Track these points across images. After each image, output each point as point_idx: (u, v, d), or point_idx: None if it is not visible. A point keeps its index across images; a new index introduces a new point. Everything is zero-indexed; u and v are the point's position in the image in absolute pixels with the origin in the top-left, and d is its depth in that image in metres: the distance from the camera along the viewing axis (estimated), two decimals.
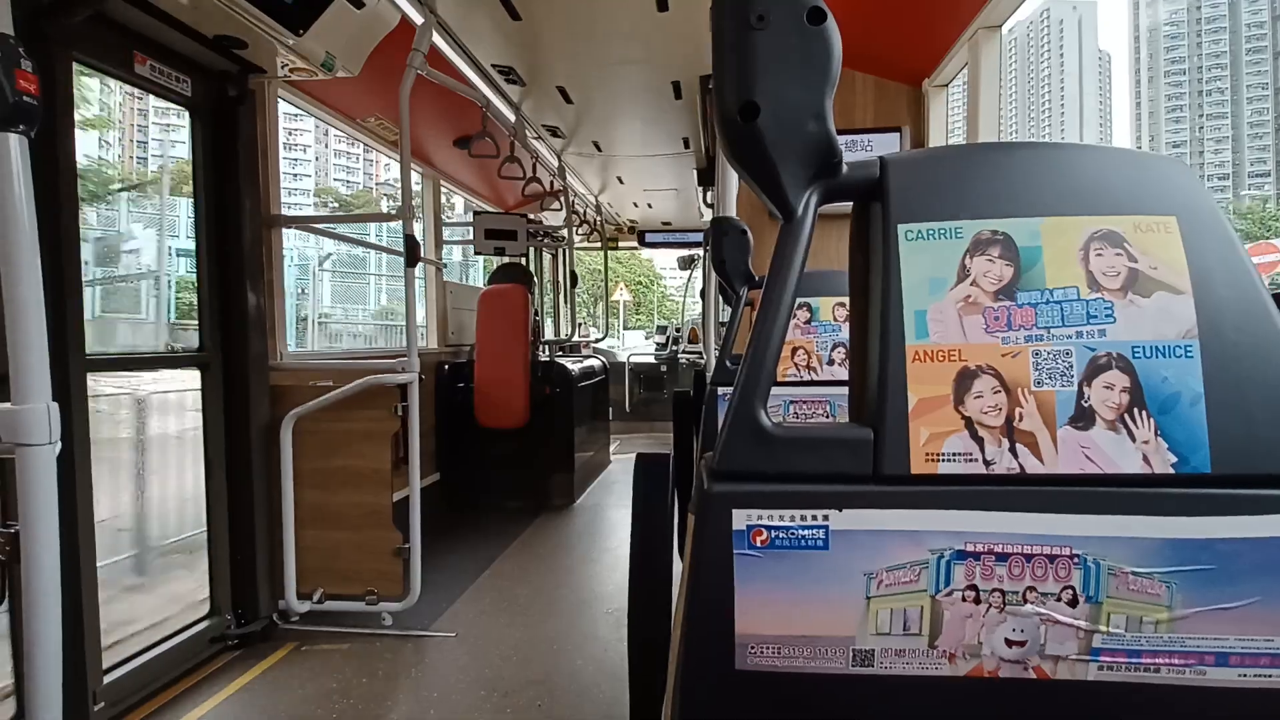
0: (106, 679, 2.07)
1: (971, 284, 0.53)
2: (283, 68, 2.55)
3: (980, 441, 0.52)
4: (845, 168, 0.55)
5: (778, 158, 0.52)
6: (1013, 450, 0.52)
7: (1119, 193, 0.54)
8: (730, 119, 0.51)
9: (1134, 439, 0.51)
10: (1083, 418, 0.51)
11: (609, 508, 4.64)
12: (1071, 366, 0.52)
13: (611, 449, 6.30)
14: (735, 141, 0.52)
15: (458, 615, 2.87)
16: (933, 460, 0.52)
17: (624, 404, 7.93)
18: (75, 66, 2.01)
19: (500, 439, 4.46)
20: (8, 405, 1.01)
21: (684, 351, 8.31)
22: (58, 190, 1.88)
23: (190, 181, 2.59)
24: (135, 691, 2.16)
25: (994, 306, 0.53)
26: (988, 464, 0.52)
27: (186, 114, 2.53)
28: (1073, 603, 0.51)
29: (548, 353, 4.97)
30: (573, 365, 4.85)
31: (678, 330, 8.78)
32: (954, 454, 0.52)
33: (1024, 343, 0.52)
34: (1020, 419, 0.52)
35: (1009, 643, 0.52)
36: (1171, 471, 0.51)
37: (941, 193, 0.55)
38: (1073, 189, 0.55)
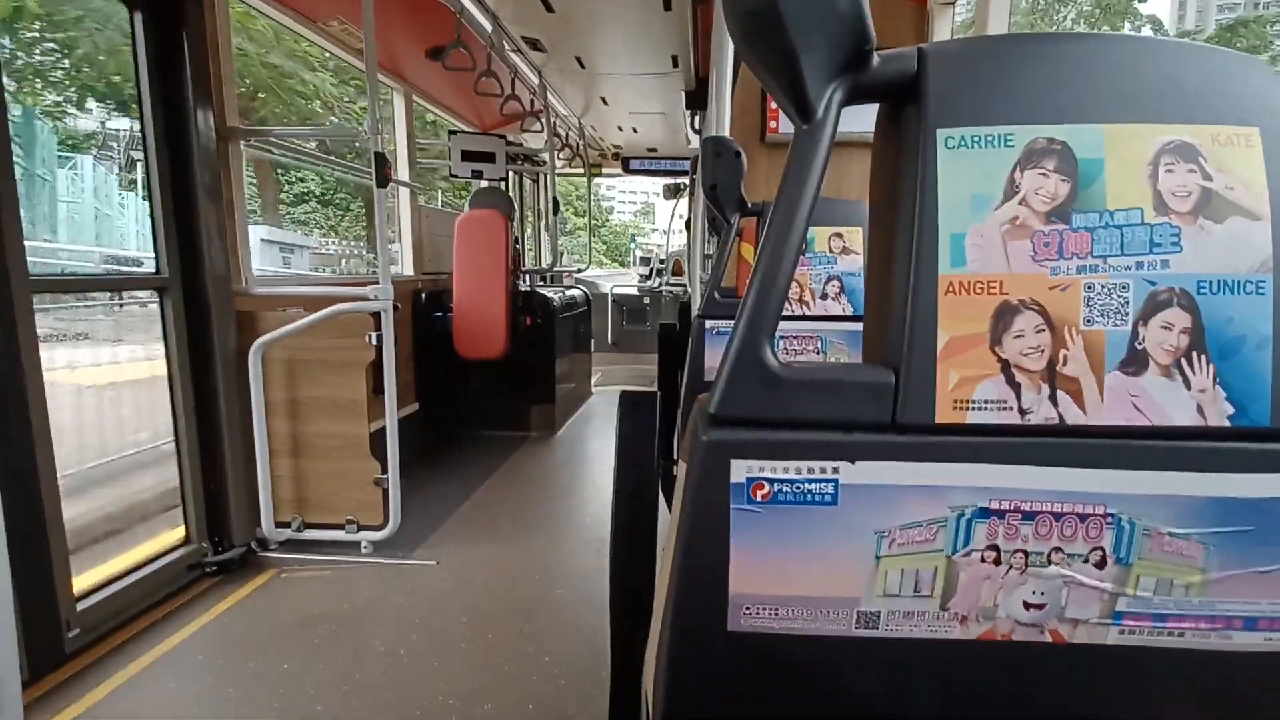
0: (80, 605, 2.05)
1: (1020, 203, 0.45)
2: None
3: (1017, 388, 0.45)
4: (876, 59, 0.46)
5: (799, 40, 0.42)
6: (1053, 398, 0.45)
7: (1194, 97, 0.46)
8: None
9: (1189, 387, 0.45)
10: (1134, 362, 0.45)
11: (590, 438, 4.65)
12: (1128, 303, 0.45)
13: (593, 381, 6.27)
14: (746, 16, 0.42)
15: (439, 544, 2.88)
16: (961, 408, 0.45)
17: (606, 335, 7.86)
18: None
19: (480, 369, 4.39)
20: None
21: (668, 284, 8.19)
22: None
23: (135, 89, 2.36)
24: (110, 618, 2.15)
25: (1044, 230, 0.45)
26: (1023, 413, 0.45)
27: (126, 10, 2.28)
28: (1100, 564, 0.47)
29: (529, 282, 4.84)
30: (554, 295, 4.73)
31: (661, 262, 8.62)
32: (986, 401, 0.45)
33: (1075, 274, 0.45)
34: (1064, 363, 0.45)
35: (1027, 605, 0.48)
36: (1227, 424, 0.45)
37: (990, 92, 0.46)
38: (1141, 91, 0.46)
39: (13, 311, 1.81)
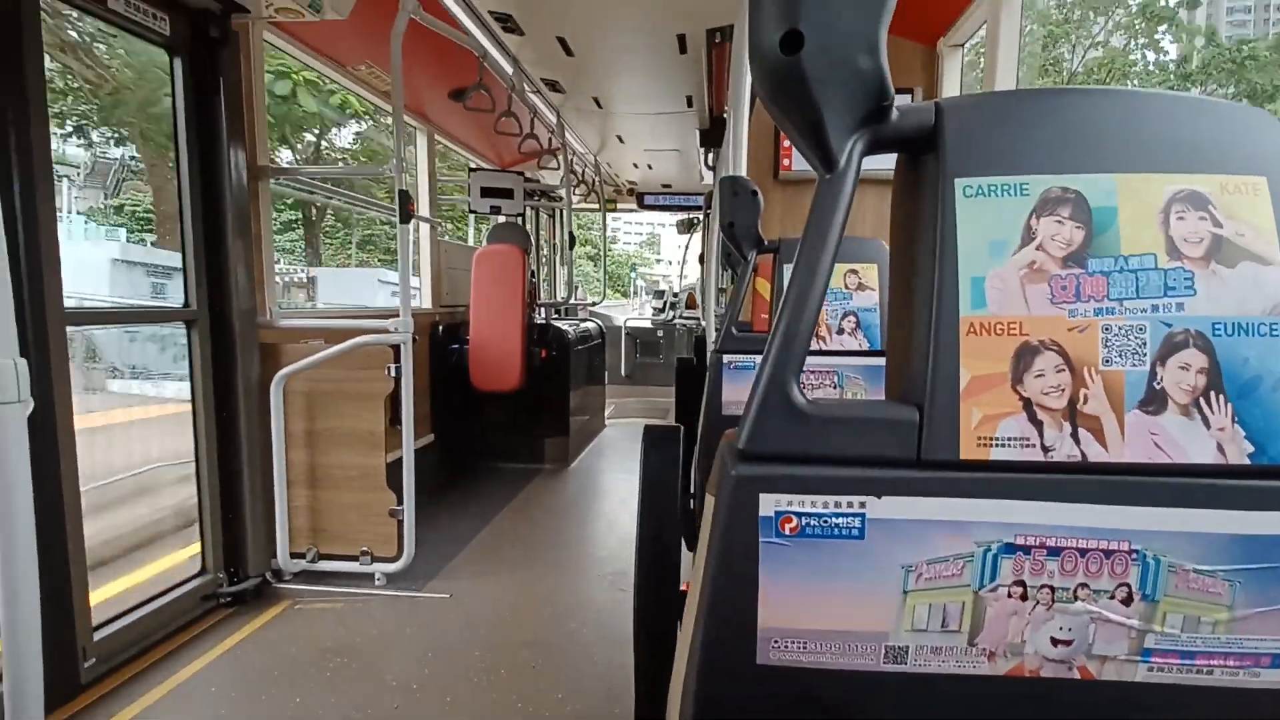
0: (97, 635, 2.05)
1: (1037, 248, 0.47)
2: (267, 7, 2.41)
3: (1039, 425, 0.47)
4: (895, 113, 0.48)
5: (822, 98, 0.45)
6: (1075, 436, 0.46)
7: (1203, 148, 0.48)
8: (769, 51, 0.44)
9: (1208, 426, 0.46)
10: (1153, 401, 0.46)
11: (604, 471, 4.64)
12: (1145, 344, 0.46)
13: (607, 413, 6.28)
14: (773, 77, 0.45)
15: (452, 576, 2.87)
16: (985, 445, 0.47)
17: (620, 368, 7.89)
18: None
19: (495, 401, 4.42)
20: None
21: (681, 317, 8.24)
22: (27, 126, 1.78)
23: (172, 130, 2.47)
24: (126, 648, 2.15)
25: (1061, 274, 0.47)
26: (1046, 450, 0.47)
27: (166, 57, 2.39)
28: (1127, 601, 0.47)
29: (544, 315, 4.90)
30: (569, 328, 4.78)
31: (675, 295, 8.69)
32: (1009, 438, 0.47)
33: (1093, 316, 0.47)
34: (1085, 401, 0.46)
35: (1055, 641, 0.48)
36: (1247, 462, 0.46)
37: (1005, 143, 0.48)
38: (1152, 142, 0.48)
39: (47, 343, 1.86)
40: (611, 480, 4.40)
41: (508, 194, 4.46)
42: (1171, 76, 24.30)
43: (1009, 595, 0.47)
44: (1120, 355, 0.46)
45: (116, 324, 2.46)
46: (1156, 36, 24.55)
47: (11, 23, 1.74)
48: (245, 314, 2.55)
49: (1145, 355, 0.46)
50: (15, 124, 1.75)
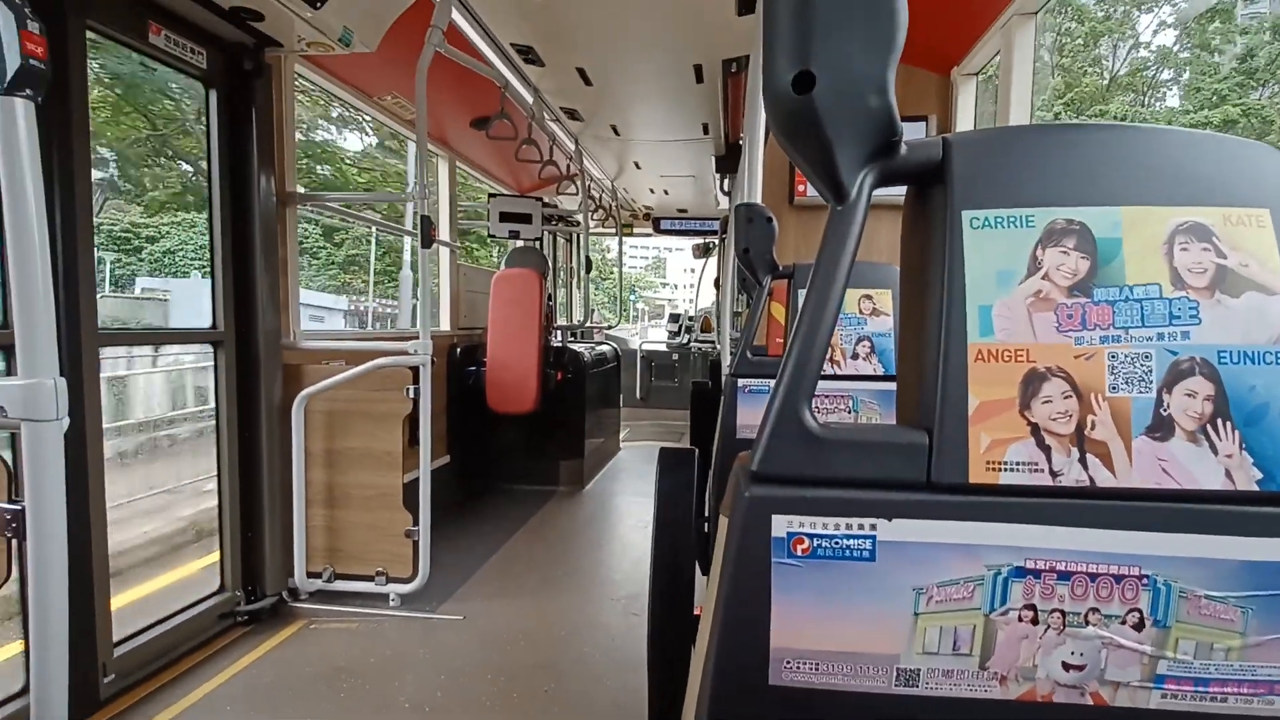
0: (117, 651, 2.08)
1: (1043, 278, 0.49)
2: (299, 41, 2.51)
3: (1047, 450, 0.47)
4: (904, 148, 0.50)
5: (833, 135, 0.47)
6: (1083, 461, 0.47)
7: (1206, 181, 0.49)
8: (781, 90, 0.46)
9: (1216, 452, 0.46)
10: (1160, 427, 0.47)
11: (618, 494, 4.63)
12: (1151, 371, 0.47)
13: (622, 435, 6.28)
14: (786, 116, 0.47)
15: (466, 598, 2.87)
16: (994, 469, 0.48)
17: (635, 391, 7.90)
18: (89, 34, 1.98)
19: (511, 423, 4.45)
20: (14, 380, 0.99)
21: (697, 340, 8.26)
22: (71, 157, 1.86)
23: (205, 158, 2.56)
24: (145, 665, 2.17)
25: (1067, 303, 0.48)
26: (1054, 475, 0.47)
27: (202, 88, 2.50)
28: (1138, 626, 0.47)
29: (560, 338, 4.95)
30: (585, 351, 4.82)
31: (690, 319, 8.72)
32: (1018, 463, 0.47)
33: (1099, 344, 0.48)
34: (1092, 427, 0.47)
35: (1066, 666, 0.48)
36: (1255, 489, 0.46)
37: (1011, 177, 0.50)
38: (1155, 175, 0.50)
39: (81, 362, 1.92)
40: (626, 503, 4.39)
41: (526, 219, 4.54)
42: (1233, 74, 22.43)
43: (1020, 619, 0.48)
44: (1127, 382, 0.47)
45: (147, 344, 2.54)
46: (1208, 36, 22.82)
47: (60, 58, 1.83)
48: (270, 335, 2.61)
49: (1151, 382, 0.47)
50: (60, 152, 1.83)
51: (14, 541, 1.14)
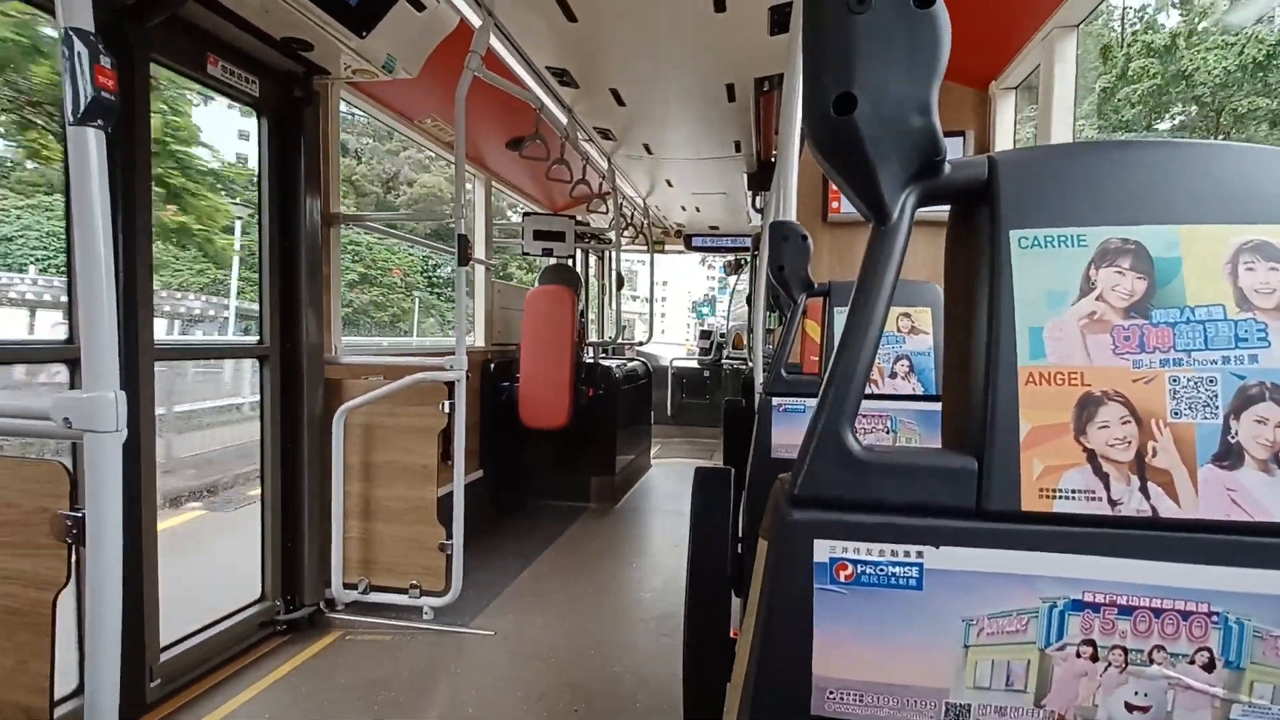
0: (163, 657, 2.14)
1: (1097, 299, 0.47)
2: (346, 69, 2.61)
3: (1105, 478, 0.46)
4: (948, 167, 0.50)
5: (875, 156, 0.47)
6: (1144, 490, 0.45)
7: (1270, 199, 0.48)
8: (823, 112, 0.46)
9: None
10: (1229, 455, 0.45)
11: (650, 512, 4.60)
12: (1216, 396, 0.45)
13: (653, 453, 6.26)
14: (828, 137, 0.47)
15: (497, 613, 2.88)
16: (1047, 496, 0.46)
17: (666, 408, 7.88)
18: (152, 66, 2.09)
19: (543, 438, 4.48)
20: (78, 392, 1.04)
21: (728, 357, 8.22)
22: (134, 184, 1.96)
23: (255, 180, 2.67)
24: (188, 670, 2.23)
25: (1124, 325, 0.47)
26: (1113, 504, 0.45)
27: (254, 115, 2.61)
28: (1208, 667, 0.45)
29: (592, 354, 4.97)
30: (616, 368, 4.83)
31: (722, 336, 8.69)
32: (1073, 490, 0.46)
33: (1159, 367, 0.46)
34: (1154, 454, 0.45)
35: (1130, 708, 0.46)
36: None
37: (1061, 195, 0.49)
38: (1214, 194, 0.48)
39: (138, 375, 2.01)
40: (658, 522, 4.36)
41: (559, 237, 4.60)
42: None
43: (1078, 655, 0.46)
44: (1190, 407, 0.45)
45: (199, 359, 2.65)
46: None
47: (126, 91, 1.94)
48: (314, 350, 2.69)
49: (1218, 408, 0.45)
50: (124, 180, 1.93)
51: (73, 547, 1.19)
